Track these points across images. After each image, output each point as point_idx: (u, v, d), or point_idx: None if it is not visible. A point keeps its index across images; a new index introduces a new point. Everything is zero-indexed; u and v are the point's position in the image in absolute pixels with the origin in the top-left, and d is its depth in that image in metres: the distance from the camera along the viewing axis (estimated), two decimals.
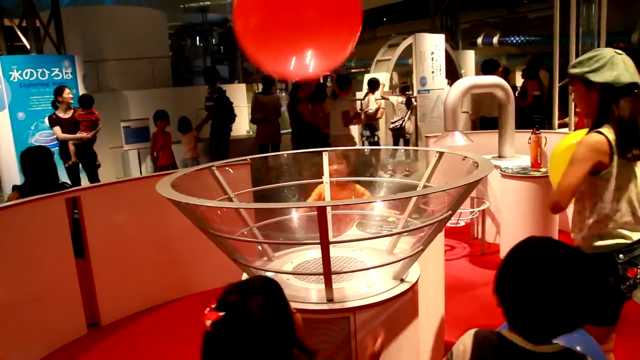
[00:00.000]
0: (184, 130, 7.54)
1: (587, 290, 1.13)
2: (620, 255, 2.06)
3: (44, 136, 7.39)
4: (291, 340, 1.21)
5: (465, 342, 1.26)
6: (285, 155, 2.71)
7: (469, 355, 1.22)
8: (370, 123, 8.29)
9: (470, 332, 1.26)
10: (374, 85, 8.42)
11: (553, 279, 1.12)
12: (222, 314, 1.13)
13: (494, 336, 1.21)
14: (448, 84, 9.91)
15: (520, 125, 5.16)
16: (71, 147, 6.95)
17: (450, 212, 1.91)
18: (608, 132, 2.02)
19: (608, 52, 2.06)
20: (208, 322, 1.13)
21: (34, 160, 3.72)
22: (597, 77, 2.04)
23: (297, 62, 2.00)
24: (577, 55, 6.79)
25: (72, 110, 6.93)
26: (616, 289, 2.05)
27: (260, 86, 9.09)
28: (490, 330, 1.24)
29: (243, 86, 12.17)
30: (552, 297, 1.12)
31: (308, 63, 2.00)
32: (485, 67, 6.56)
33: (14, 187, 3.79)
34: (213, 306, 1.17)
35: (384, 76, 9.78)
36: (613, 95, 2.03)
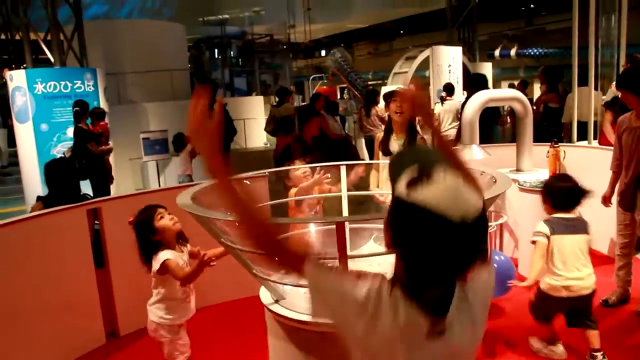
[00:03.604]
0: (178, 149, 7.36)
1: None
2: None
3: (65, 148, 7.49)
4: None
5: None
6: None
7: None
8: None
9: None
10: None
11: None
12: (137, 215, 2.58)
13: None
14: (466, 95, 9.87)
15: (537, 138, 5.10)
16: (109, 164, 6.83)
17: None
18: None
19: None
20: (130, 219, 2.62)
21: (57, 172, 3.81)
22: None
23: None
24: (596, 68, 6.69)
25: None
26: None
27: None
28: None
29: (261, 98, 12.28)
30: None
31: None
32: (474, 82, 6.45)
33: (38, 198, 3.87)
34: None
35: None
36: None
